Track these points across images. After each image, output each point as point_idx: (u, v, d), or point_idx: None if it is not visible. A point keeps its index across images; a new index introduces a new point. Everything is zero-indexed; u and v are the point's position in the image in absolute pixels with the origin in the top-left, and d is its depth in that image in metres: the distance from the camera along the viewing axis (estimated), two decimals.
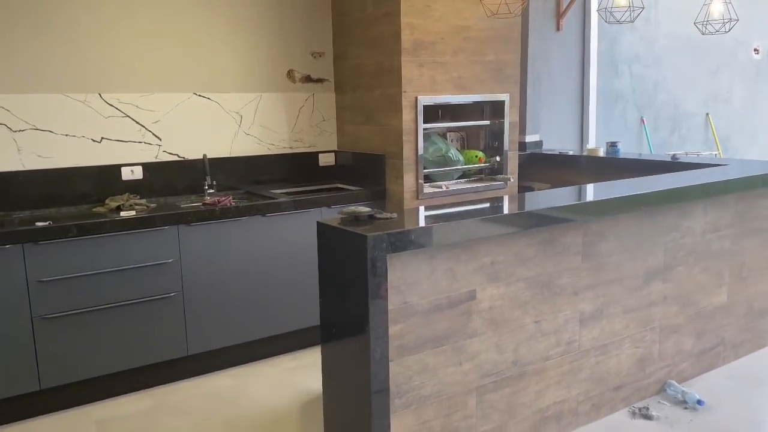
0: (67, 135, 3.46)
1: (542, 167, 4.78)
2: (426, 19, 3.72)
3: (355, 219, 2.27)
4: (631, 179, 3.30)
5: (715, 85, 7.07)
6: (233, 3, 3.89)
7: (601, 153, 4.59)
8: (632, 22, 3.46)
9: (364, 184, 4.08)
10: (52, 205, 3.44)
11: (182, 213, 3.29)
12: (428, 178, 4.00)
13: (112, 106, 3.57)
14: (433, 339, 2.33)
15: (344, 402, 2.36)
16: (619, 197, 2.77)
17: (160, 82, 3.70)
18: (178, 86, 3.77)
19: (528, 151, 4.87)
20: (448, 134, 4.34)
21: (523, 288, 2.56)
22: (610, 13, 3.49)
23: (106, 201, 3.45)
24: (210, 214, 3.35)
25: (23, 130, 3.35)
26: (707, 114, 7.04)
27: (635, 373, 3.03)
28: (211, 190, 3.78)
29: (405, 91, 3.71)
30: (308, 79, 4.23)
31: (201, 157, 3.81)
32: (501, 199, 3.06)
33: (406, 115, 3.74)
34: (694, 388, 3.10)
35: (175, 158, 3.80)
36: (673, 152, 4.55)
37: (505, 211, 2.61)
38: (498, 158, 4.22)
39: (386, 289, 2.13)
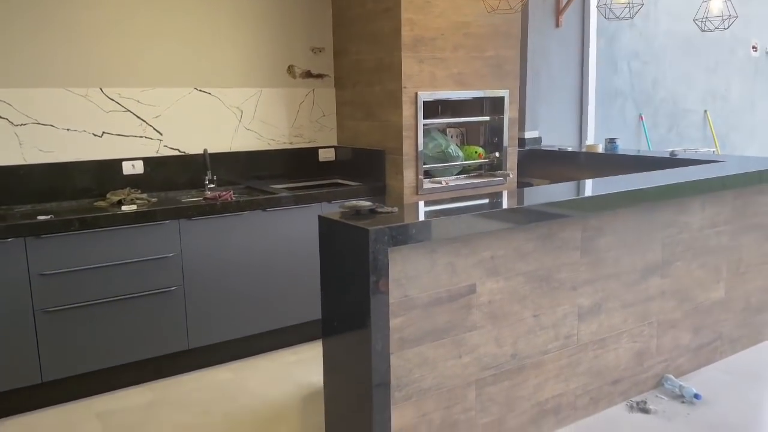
0: (68, 129, 3.48)
1: (541, 163, 4.80)
2: (426, 15, 3.73)
3: (357, 213, 2.28)
4: (630, 175, 3.32)
5: (713, 82, 7.08)
6: None
7: (600, 149, 4.59)
8: (631, 18, 3.48)
9: (364, 179, 4.10)
10: (53, 200, 3.45)
11: (183, 207, 3.30)
12: (428, 174, 4.02)
13: (113, 100, 3.58)
14: (433, 332, 2.35)
15: (345, 394, 2.38)
16: (618, 193, 2.79)
17: (161, 76, 3.71)
18: (179, 81, 3.78)
19: (527, 147, 4.88)
20: (447, 130, 4.36)
21: (522, 282, 2.58)
22: (610, 9, 3.50)
23: (108, 195, 3.46)
24: (211, 209, 3.37)
25: (25, 125, 3.36)
26: (705, 111, 7.06)
27: (633, 367, 3.05)
28: (212, 185, 3.79)
29: (405, 87, 3.72)
30: (308, 74, 4.24)
31: (202, 151, 3.82)
32: (500, 194, 3.07)
33: (406, 111, 3.76)
34: (691, 383, 3.12)
35: (176, 153, 3.81)
36: (671, 149, 4.56)
37: (505, 206, 2.62)
38: (497, 154, 4.24)
39: (387, 283, 2.15)
